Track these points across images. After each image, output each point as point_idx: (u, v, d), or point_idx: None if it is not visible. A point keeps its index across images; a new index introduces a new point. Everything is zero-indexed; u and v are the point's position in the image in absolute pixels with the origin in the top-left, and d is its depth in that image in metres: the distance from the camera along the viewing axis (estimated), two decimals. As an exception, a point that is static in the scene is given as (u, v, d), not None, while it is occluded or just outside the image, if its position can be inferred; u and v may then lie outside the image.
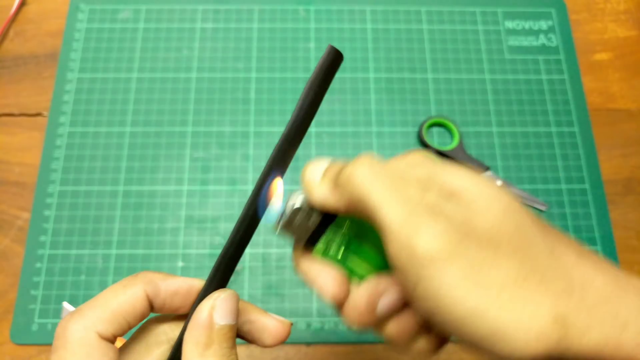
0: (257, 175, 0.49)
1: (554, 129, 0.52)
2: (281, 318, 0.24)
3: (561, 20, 0.57)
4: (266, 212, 0.23)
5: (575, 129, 0.52)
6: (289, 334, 0.24)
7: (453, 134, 0.51)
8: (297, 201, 0.24)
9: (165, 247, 0.46)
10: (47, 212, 0.47)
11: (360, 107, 0.52)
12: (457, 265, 0.18)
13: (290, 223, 0.24)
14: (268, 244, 0.46)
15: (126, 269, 0.46)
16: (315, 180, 0.23)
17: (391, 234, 0.19)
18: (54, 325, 0.44)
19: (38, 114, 0.51)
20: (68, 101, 0.51)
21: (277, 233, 0.24)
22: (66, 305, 0.43)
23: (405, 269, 0.19)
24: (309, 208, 0.24)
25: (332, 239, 0.25)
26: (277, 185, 0.23)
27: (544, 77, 0.54)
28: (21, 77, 0.53)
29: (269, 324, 0.24)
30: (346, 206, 0.22)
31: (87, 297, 0.45)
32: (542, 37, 0.56)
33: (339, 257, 0.25)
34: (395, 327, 0.23)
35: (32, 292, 0.45)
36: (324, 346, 0.44)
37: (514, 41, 0.55)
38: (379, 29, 0.56)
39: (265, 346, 0.24)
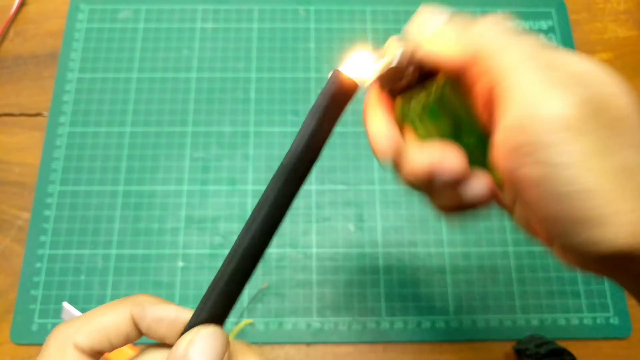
0: (257, 175, 0.49)
1: (554, 129, 0.52)
2: None
3: (561, 20, 0.57)
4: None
5: (575, 129, 0.52)
6: None
7: (453, 134, 0.51)
8: (394, 57, 0.22)
9: (165, 247, 0.46)
10: (47, 212, 0.47)
11: (360, 107, 0.52)
12: (588, 139, 0.17)
13: (384, 76, 0.22)
14: (268, 244, 0.46)
15: (126, 269, 0.46)
16: (434, 26, 0.22)
17: (518, 99, 0.18)
18: (54, 325, 0.44)
19: (38, 114, 0.51)
20: (68, 101, 0.51)
21: (371, 78, 0.23)
22: (66, 305, 0.43)
23: (528, 131, 0.18)
24: (409, 63, 0.22)
25: (413, 98, 0.23)
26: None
27: (544, 77, 0.54)
28: (21, 77, 0.53)
29: (184, 317, 0.21)
30: (466, 60, 0.21)
31: (87, 297, 0.45)
32: (542, 37, 0.56)
33: (412, 117, 0.24)
34: (443, 199, 0.23)
35: (32, 292, 0.45)
36: (324, 346, 0.44)
37: (514, 41, 0.55)
38: (378, 29, 0.56)
39: None
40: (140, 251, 0.46)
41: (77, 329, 0.20)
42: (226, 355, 0.20)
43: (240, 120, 0.51)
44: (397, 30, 0.56)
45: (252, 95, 0.52)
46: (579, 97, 0.18)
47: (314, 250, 0.47)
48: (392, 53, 0.22)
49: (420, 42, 0.22)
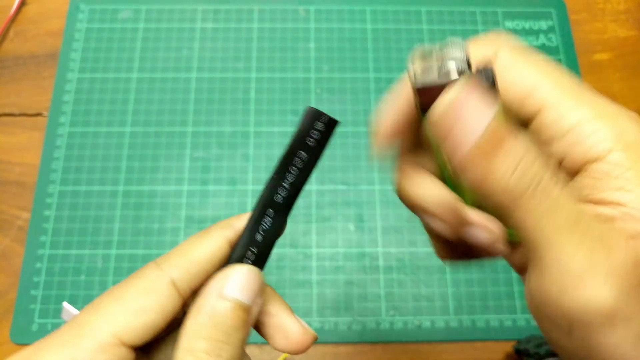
0: (257, 175, 0.49)
1: (554, 129, 0.52)
2: (307, 325, 0.21)
3: (561, 20, 0.57)
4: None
5: (575, 129, 0.52)
6: (308, 345, 0.20)
7: (453, 134, 0.51)
8: (458, 67, 0.16)
9: (165, 247, 0.46)
10: (47, 212, 0.47)
11: (360, 107, 0.52)
12: (630, 326, 0.15)
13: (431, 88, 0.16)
14: (268, 244, 0.46)
15: (126, 269, 0.46)
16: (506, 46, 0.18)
17: (552, 268, 0.16)
18: (54, 325, 0.44)
19: (38, 114, 0.51)
20: (68, 101, 0.51)
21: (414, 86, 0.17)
22: (66, 305, 0.43)
23: (560, 312, 0.16)
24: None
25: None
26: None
27: (544, 77, 0.54)
28: (21, 77, 0.53)
29: (288, 325, 0.21)
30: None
31: (87, 297, 0.45)
32: (542, 37, 0.56)
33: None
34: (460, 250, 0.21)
35: (32, 292, 0.45)
36: (324, 346, 0.44)
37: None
38: (379, 29, 0.56)
39: (276, 348, 0.21)
40: (140, 251, 0.46)
41: (173, 265, 0.19)
42: (261, 297, 0.20)
43: (240, 120, 0.51)
44: (397, 30, 0.56)
45: (252, 95, 0.52)
46: (626, 282, 0.15)
47: (314, 250, 0.47)
48: (454, 57, 0.17)
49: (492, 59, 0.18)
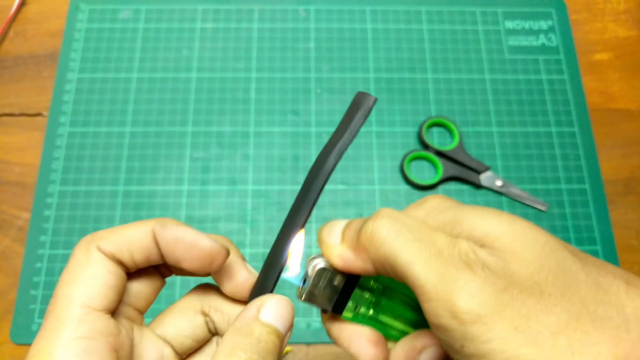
0: (257, 175, 0.49)
1: (554, 129, 0.52)
2: (219, 240, 0.22)
3: (561, 20, 0.57)
4: (287, 272, 0.22)
5: (575, 129, 0.52)
6: (218, 257, 0.22)
7: (453, 134, 0.51)
8: (317, 265, 0.22)
9: (165, 247, 0.46)
10: (47, 212, 0.47)
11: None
12: (505, 319, 0.17)
13: (314, 288, 0.22)
14: (268, 244, 0.46)
15: (126, 269, 0.46)
16: (334, 243, 0.22)
17: (428, 294, 0.18)
18: (54, 325, 0.44)
19: (38, 114, 0.51)
20: (68, 101, 0.51)
21: (302, 300, 0.23)
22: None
23: (448, 329, 0.18)
24: (331, 271, 0.22)
25: (360, 299, 0.23)
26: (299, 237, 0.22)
27: (543, 77, 0.54)
28: (21, 77, 0.53)
29: (200, 242, 0.22)
30: (373, 267, 0.21)
31: (87, 297, 0.45)
32: (542, 37, 0.56)
33: (369, 315, 0.23)
34: None
35: (32, 292, 0.45)
36: (324, 346, 0.44)
37: (514, 41, 0.56)
38: (379, 29, 0.56)
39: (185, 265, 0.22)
40: (140, 251, 0.46)
41: (102, 237, 0.21)
42: (291, 327, 0.21)
43: (240, 120, 0.51)
44: (397, 30, 0.56)
45: (252, 95, 0.52)
46: (484, 275, 0.18)
47: (314, 250, 0.46)
48: (315, 263, 0.23)
49: (329, 257, 0.22)
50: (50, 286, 0.45)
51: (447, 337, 0.18)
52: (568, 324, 0.17)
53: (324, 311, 0.23)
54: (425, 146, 0.50)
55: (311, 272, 0.22)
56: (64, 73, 0.53)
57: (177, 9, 0.56)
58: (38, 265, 0.45)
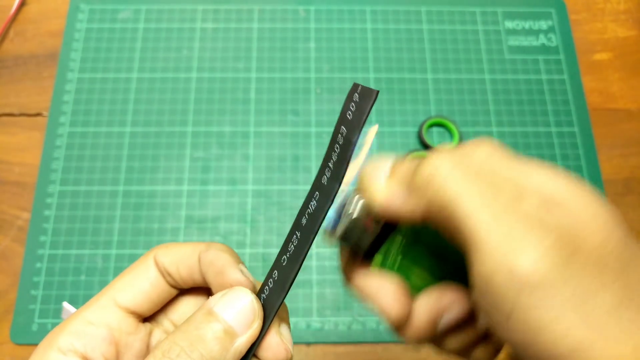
0: (257, 175, 0.49)
1: (553, 129, 0.52)
2: (286, 342, 0.21)
3: (561, 20, 0.57)
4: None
5: (575, 129, 0.52)
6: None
7: (453, 134, 0.51)
8: (355, 209, 0.20)
9: (165, 247, 0.46)
10: (47, 212, 0.47)
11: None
12: (564, 293, 0.16)
13: (347, 233, 0.20)
14: (268, 244, 0.46)
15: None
16: (380, 183, 0.20)
17: (485, 251, 0.16)
18: (54, 325, 0.44)
19: (38, 114, 0.51)
20: (68, 101, 0.51)
21: (335, 237, 0.21)
22: (66, 305, 0.43)
23: (499, 293, 0.16)
24: (369, 216, 0.20)
25: (390, 248, 0.21)
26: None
27: (543, 77, 0.54)
28: (21, 77, 0.53)
29: (227, 270, 0.21)
30: (423, 213, 0.19)
31: (87, 297, 0.45)
32: (542, 37, 0.56)
33: (396, 267, 0.22)
34: (456, 342, 0.21)
35: (32, 292, 0.45)
36: (324, 346, 0.44)
37: (513, 41, 0.56)
38: (379, 29, 0.56)
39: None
40: (140, 251, 0.46)
41: (163, 248, 0.22)
42: (257, 324, 0.20)
43: (240, 120, 0.51)
44: (397, 30, 0.56)
45: (252, 95, 0.52)
46: (552, 240, 0.16)
47: (314, 250, 0.47)
48: (352, 204, 0.20)
49: (373, 199, 0.20)
50: (50, 286, 0.45)
51: (495, 300, 0.17)
52: (620, 305, 0.16)
53: (353, 254, 0.21)
54: (426, 146, 0.50)
55: (353, 207, 0.20)
56: (64, 73, 0.53)
57: (177, 9, 0.56)
58: (38, 265, 0.45)
